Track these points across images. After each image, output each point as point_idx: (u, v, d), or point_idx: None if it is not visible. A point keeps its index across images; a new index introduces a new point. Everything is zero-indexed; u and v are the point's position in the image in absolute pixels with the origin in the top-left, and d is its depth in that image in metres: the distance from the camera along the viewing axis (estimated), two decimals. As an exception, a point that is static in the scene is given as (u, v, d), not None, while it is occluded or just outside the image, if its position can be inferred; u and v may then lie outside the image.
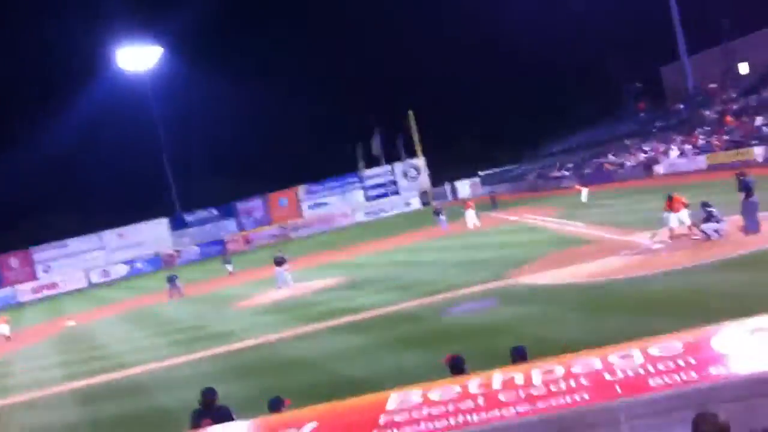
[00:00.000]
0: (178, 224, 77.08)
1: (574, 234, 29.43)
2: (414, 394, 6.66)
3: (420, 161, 77.77)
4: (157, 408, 16.01)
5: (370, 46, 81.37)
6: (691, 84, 60.64)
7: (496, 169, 76.71)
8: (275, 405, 8.42)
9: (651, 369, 6.12)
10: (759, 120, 43.05)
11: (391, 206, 75.60)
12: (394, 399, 6.65)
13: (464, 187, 75.22)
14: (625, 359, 6.44)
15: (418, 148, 76.17)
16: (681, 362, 6.09)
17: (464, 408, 6.14)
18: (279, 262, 33.21)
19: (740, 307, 11.94)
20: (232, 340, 22.33)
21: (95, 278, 71.47)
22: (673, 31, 59.00)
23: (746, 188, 20.69)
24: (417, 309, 20.87)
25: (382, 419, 6.24)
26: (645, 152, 51.96)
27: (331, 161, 76.05)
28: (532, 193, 60.43)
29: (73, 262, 72.74)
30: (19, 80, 77.11)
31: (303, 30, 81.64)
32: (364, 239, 50.23)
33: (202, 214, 77.85)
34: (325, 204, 77.68)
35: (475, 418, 5.95)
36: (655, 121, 59.02)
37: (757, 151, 38.58)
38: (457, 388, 6.62)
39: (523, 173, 72.13)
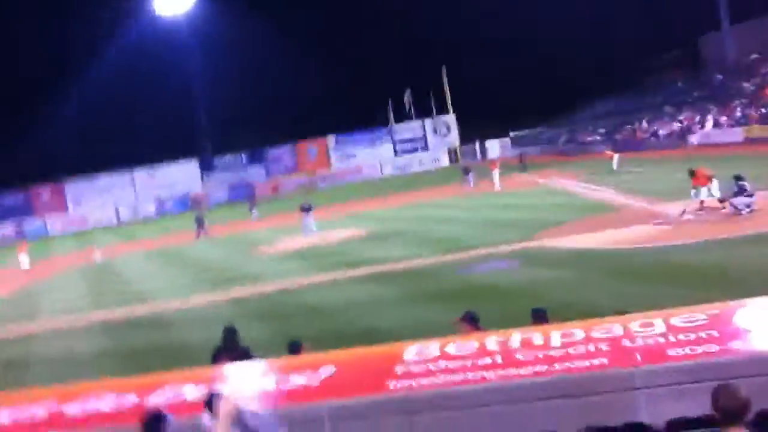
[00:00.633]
0: (207, 166, 77.51)
1: (602, 200, 29.19)
2: (432, 347, 6.72)
3: (451, 118, 77.06)
4: (178, 343, 16.34)
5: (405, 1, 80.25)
6: (730, 54, 59.08)
7: (527, 130, 75.79)
8: (294, 348, 8.55)
9: (672, 339, 6.11)
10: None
11: (420, 162, 75.23)
12: (411, 350, 6.72)
13: (494, 147, 74.57)
14: (647, 327, 6.43)
15: (450, 104, 75.34)
16: (703, 334, 6.06)
17: (481, 364, 6.19)
18: (306, 209, 33.44)
19: (766, 283, 11.84)
20: (254, 284, 22.61)
21: (124, 215, 72.32)
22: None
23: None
24: (439, 265, 20.92)
25: (399, 369, 6.31)
26: (680, 122, 51.06)
27: (362, 114, 75.54)
28: (562, 156, 59.80)
29: (103, 198, 73.55)
30: (61, 21, 77.18)
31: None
32: (391, 193, 50.21)
33: (231, 158, 78.09)
34: (354, 156, 77.49)
35: (492, 375, 5.99)
36: (691, 91, 57.80)
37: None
38: (475, 344, 6.66)
39: (554, 136, 71.26)
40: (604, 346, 6.20)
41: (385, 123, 78.00)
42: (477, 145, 75.93)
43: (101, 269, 33.85)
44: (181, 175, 75.64)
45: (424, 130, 78.29)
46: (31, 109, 74.83)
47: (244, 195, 67.19)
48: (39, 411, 6.56)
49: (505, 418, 5.67)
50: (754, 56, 54.98)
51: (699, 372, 5.50)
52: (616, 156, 41.09)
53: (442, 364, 6.26)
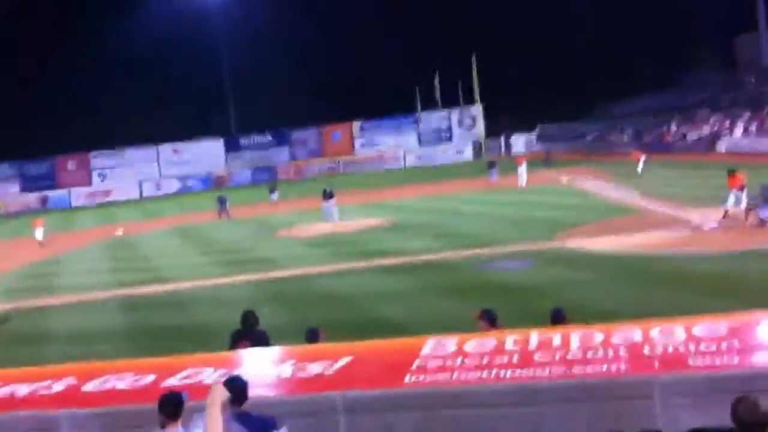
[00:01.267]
0: (232, 146, 77.74)
1: (626, 202, 28.97)
2: (450, 343, 6.71)
3: (478, 109, 76.51)
4: (197, 323, 16.47)
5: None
6: (767, 57, 58.13)
7: (555, 126, 75.15)
8: (312, 336, 8.59)
9: (692, 348, 6.05)
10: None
11: (444, 153, 74.92)
12: (429, 345, 6.71)
13: (519, 142, 74.08)
14: (667, 335, 6.38)
15: (477, 95, 74.62)
16: (724, 345, 6.01)
17: (498, 363, 6.18)
18: (328, 196, 33.41)
19: (790, 296, 11.71)
20: (274, 267, 22.69)
21: (147, 191, 72.85)
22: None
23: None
24: (459, 259, 20.90)
25: (416, 363, 6.31)
26: (711, 125, 50.40)
27: (390, 99, 75.17)
28: (588, 154, 59.29)
29: (128, 172, 74.06)
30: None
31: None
32: (414, 183, 50.15)
33: (256, 138, 78.17)
34: (378, 144, 77.36)
35: (509, 374, 5.97)
36: (724, 93, 56.99)
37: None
38: (493, 342, 6.64)
39: (581, 133, 70.71)
40: (623, 351, 6.16)
41: (412, 110, 77.45)
42: (502, 139, 75.43)
43: (120, 245, 34.15)
44: (206, 153, 75.96)
45: (450, 121, 77.87)
46: (60, 81, 75.33)
47: (267, 178, 67.44)
48: (58, 386, 6.64)
49: (520, 419, 5.66)
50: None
51: (718, 383, 5.45)
52: (642, 157, 40.68)
53: (459, 361, 6.26)
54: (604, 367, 5.92)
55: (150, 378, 6.54)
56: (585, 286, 15.86)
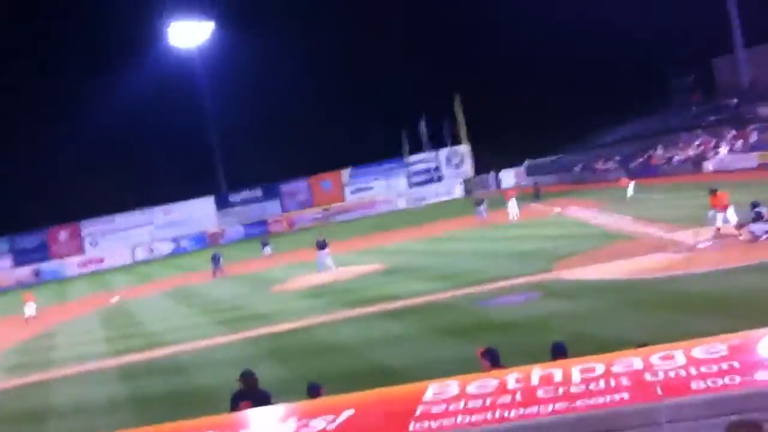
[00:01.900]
0: (223, 203, 77.96)
1: (618, 229, 29.04)
2: (452, 386, 6.66)
3: (465, 148, 77.10)
4: (197, 387, 16.28)
5: (419, 28, 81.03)
6: (745, 78, 58.99)
7: (542, 159, 75.74)
8: (313, 390, 8.53)
9: (693, 371, 6.03)
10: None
11: (435, 193, 75.28)
12: (431, 390, 6.66)
13: (508, 177, 74.54)
14: (667, 360, 6.36)
15: (464, 134, 75.28)
16: (725, 366, 5.99)
17: (501, 402, 6.13)
18: (321, 245, 33.37)
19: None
20: (272, 323, 22.57)
21: (140, 255, 72.65)
22: (729, 21, 57.35)
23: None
24: (456, 299, 20.83)
25: (419, 410, 6.26)
26: (695, 147, 50.86)
27: (376, 145, 75.78)
28: (577, 185, 59.69)
29: (119, 238, 73.95)
30: (70, 53, 78.43)
31: (353, 11, 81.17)
32: (406, 226, 50.23)
33: (246, 193, 78.50)
34: (369, 189, 77.71)
35: (513, 413, 5.93)
36: (707, 115, 57.65)
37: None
38: (495, 382, 6.60)
39: (569, 164, 71.21)
40: (625, 381, 6.12)
41: (399, 154, 78.06)
42: (491, 175, 75.92)
43: (116, 312, 33.92)
44: (197, 212, 76.08)
45: (438, 161, 78.45)
46: (48, 151, 75.66)
47: (259, 232, 67.46)
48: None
49: (527, 457, 5.60)
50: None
51: (723, 404, 5.42)
52: (631, 184, 40.95)
53: (462, 404, 6.20)
54: (608, 398, 5.89)
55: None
56: (584, 316, 15.82)
